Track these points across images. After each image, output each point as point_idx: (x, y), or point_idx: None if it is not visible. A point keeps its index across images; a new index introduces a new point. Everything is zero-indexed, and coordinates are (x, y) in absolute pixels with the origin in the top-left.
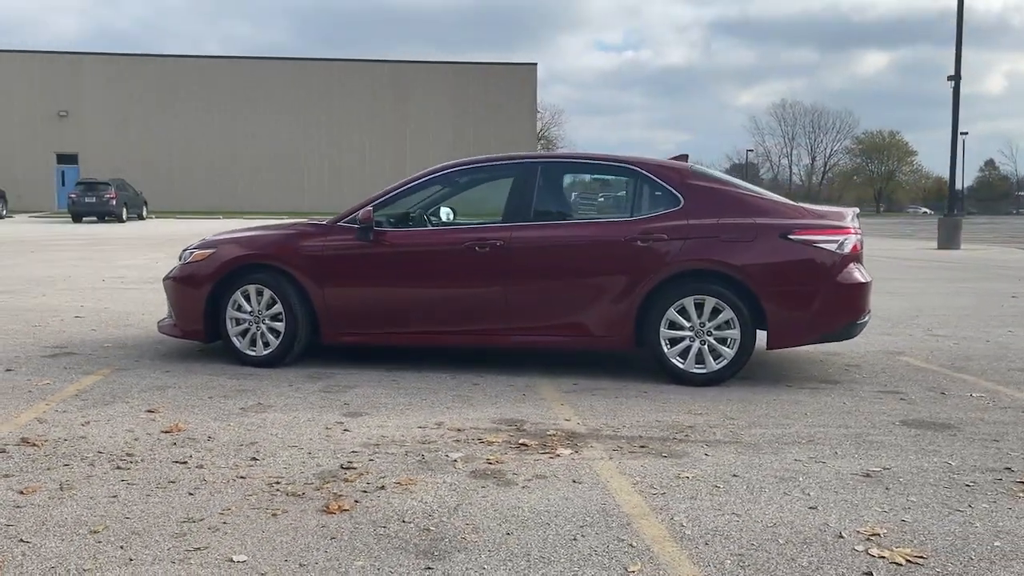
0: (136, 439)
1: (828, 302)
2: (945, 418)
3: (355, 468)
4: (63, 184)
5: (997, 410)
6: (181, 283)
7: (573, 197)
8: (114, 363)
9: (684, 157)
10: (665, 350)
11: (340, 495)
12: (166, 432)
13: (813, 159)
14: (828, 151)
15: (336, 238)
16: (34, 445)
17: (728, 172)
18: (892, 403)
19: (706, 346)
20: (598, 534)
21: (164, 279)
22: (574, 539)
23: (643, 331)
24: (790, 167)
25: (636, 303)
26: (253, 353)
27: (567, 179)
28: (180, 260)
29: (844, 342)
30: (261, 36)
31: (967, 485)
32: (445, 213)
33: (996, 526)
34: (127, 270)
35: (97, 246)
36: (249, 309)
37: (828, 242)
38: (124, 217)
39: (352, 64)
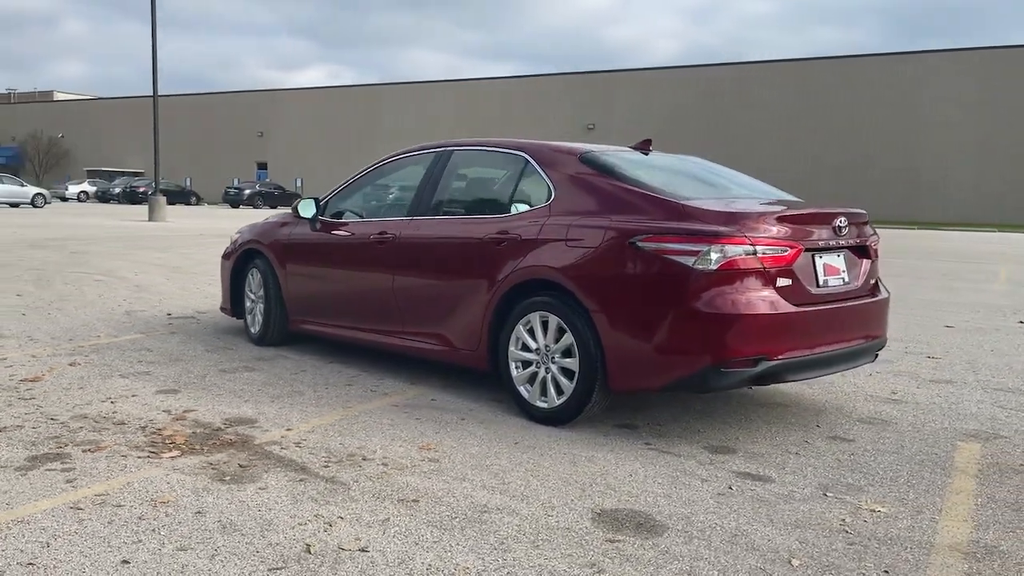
0: None
1: (677, 334)
2: (708, 523)
3: (5, 428)
4: None
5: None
6: (223, 262)
7: (467, 189)
8: (192, 329)
9: (647, 143)
10: (513, 373)
11: None
12: (24, 380)
13: None
14: None
15: (300, 227)
16: None
17: None
18: (731, 500)
19: (550, 375)
20: None
21: None
22: None
23: (498, 348)
24: None
25: (489, 315)
26: (253, 331)
27: (465, 169)
28: None
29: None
30: (847, 37)
31: None
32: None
33: None
34: None
35: None
36: (254, 291)
37: (682, 252)
38: None
39: (867, 60)
